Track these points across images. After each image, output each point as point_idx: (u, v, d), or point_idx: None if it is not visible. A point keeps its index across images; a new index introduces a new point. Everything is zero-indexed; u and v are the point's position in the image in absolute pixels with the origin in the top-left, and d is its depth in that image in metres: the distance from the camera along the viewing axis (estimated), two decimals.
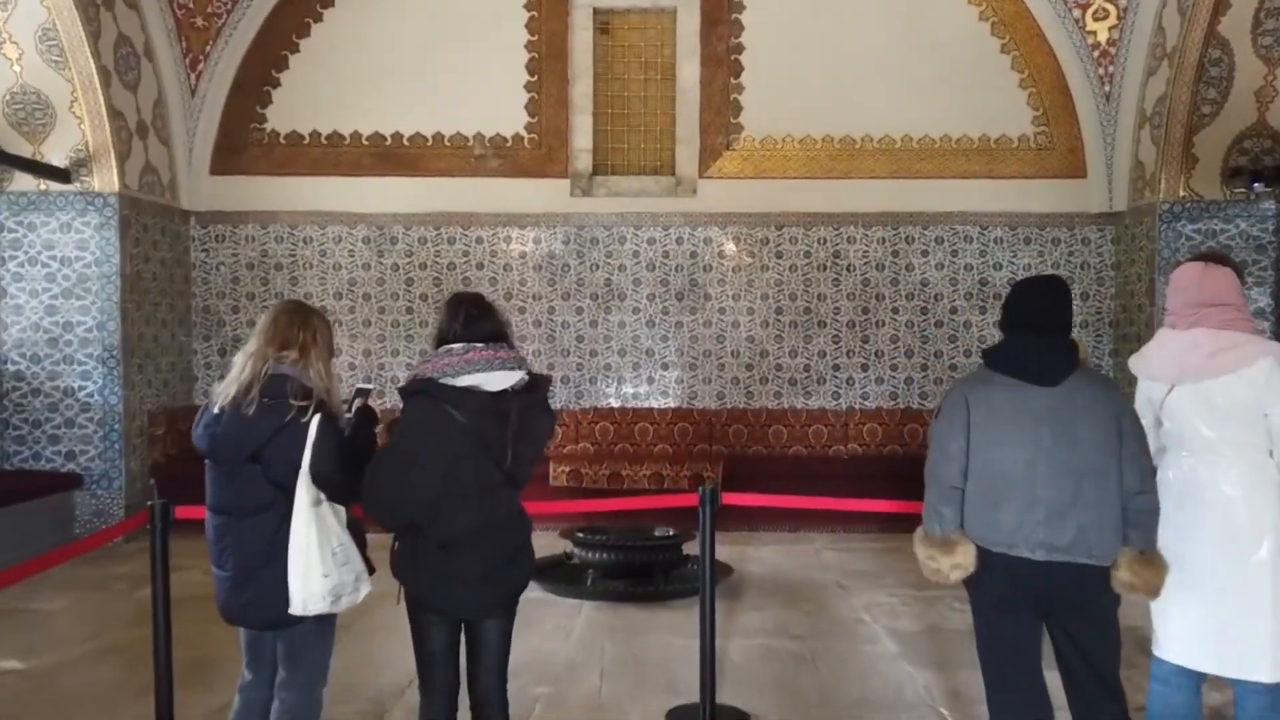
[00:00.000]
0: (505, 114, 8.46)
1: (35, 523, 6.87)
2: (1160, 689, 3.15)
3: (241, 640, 3.05)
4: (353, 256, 8.53)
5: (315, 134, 8.51)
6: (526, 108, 8.49)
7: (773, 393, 8.49)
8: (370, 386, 3.17)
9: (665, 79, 8.62)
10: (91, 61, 7.03)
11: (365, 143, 8.50)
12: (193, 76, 8.28)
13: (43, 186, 7.29)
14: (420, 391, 2.74)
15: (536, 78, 8.50)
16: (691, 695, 4.09)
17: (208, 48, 8.29)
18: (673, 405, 8.51)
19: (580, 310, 8.53)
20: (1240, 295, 3.11)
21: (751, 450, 8.39)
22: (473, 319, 2.82)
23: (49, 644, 5.01)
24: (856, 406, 8.48)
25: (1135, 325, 7.96)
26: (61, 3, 6.77)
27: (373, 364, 8.52)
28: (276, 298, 8.52)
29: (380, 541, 2.91)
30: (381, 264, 8.54)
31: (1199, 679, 3.13)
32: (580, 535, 5.96)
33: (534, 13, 8.47)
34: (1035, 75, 8.41)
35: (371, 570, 2.98)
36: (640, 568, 5.89)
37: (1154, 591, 2.71)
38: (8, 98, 7.09)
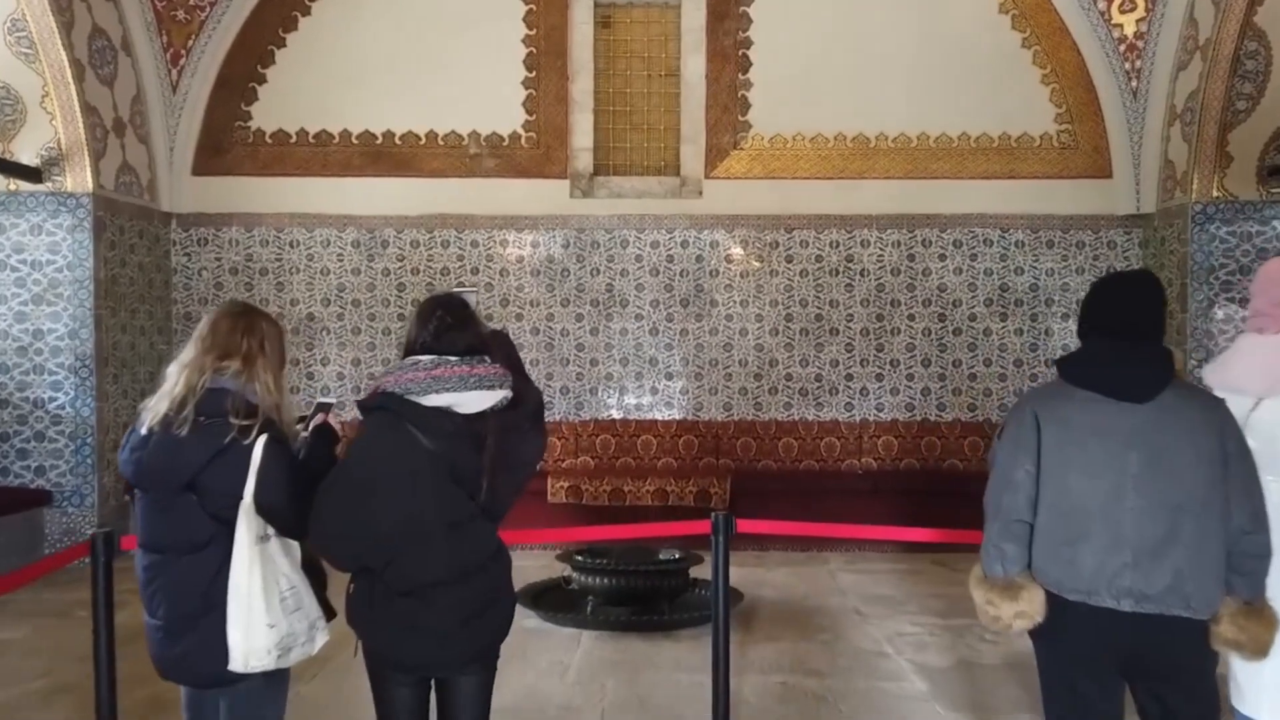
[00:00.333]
0: (502, 111, 8.09)
1: (1, 542, 6.45)
2: None
3: (182, 698, 2.63)
4: (341, 261, 8.14)
5: (303, 133, 8.14)
6: (524, 105, 8.12)
7: (782, 404, 8.09)
8: (332, 400, 2.74)
9: (669, 75, 8.26)
10: (64, 54, 6.65)
11: (355, 142, 8.13)
12: (174, 72, 7.90)
13: (12, 186, 6.91)
14: (381, 407, 2.33)
15: (534, 74, 8.13)
16: None
17: (190, 42, 7.91)
18: (677, 417, 8.11)
19: (580, 317, 8.14)
20: None
21: (760, 464, 8.00)
22: (446, 329, 2.41)
23: None
24: (871, 418, 8.08)
25: (1166, 334, 7.54)
26: None
27: (362, 374, 8.12)
28: (262, 304, 8.07)
29: (344, 579, 2.49)
30: (372, 268, 8.14)
31: None
32: (580, 558, 5.54)
33: (532, 6, 8.10)
34: (1058, 70, 8.03)
35: (330, 615, 2.56)
36: (645, 594, 5.47)
37: (1262, 650, 2.27)
38: None
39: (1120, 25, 7.84)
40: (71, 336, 6.95)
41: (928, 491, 7.48)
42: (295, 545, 2.51)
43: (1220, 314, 7.10)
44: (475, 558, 2.37)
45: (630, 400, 8.14)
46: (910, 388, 8.10)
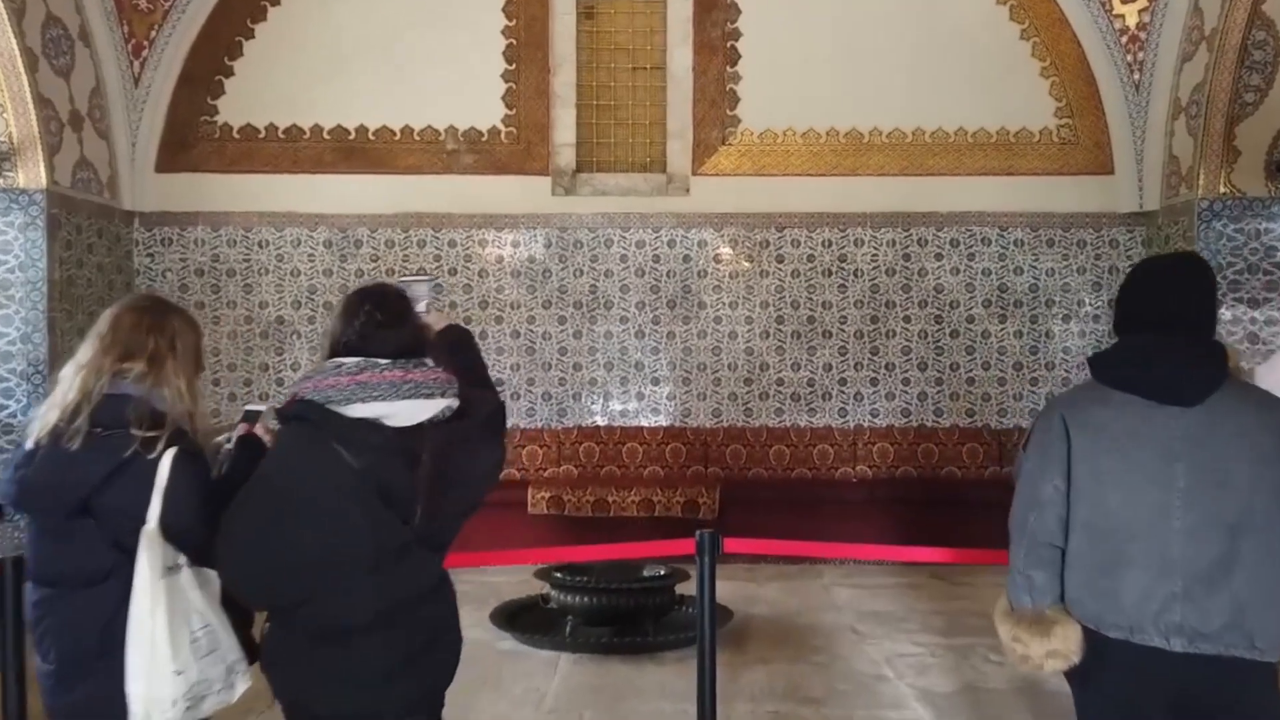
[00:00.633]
0: (480, 106, 7.76)
1: None
2: None
3: None
4: (313, 261, 7.80)
5: (272, 128, 7.80)
6: (504, 99, 7.81)
7: (773, 410, 7.79)
8: (261, 408, 2.39)
9: (655, 68, 7.95)
10: (14, 42, 6.28)
11: (327, 137, 7.79)
12: (136, 64, 7.54)
13: None
14: (299, 417, 1.99)
15: (514, 66, 7.82)
16: None
17: (152, 33, 7.56)
18: (664, 424, 7.79)
19: (563, 320, 7.83)
20: None
21: (751, 473, 7.70)
22: (376, 327, 2.06)
23: None
24: (865, 424, 7.78)
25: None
26: None
27: None
28: (229, 307, 7.81)
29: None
30: (344, 269, 7.80)
31: None
32: (558, 575, 5.20)
33: None
34: (1058, 63, 7.78)
35: (254, 658, 2.21)
36: (628, 613, 5.14)
37: None
38: None
39: (1122, 16, 7.60)
40: (24, 341, 6.58)
41: (925, 501, 7.27)
42: (214, 576, 2.17)
43: (1228, 315, 6.83)
44: (408, 595, 2.02)
45: (615, 406, 7.83)
46: (906, 392, 7.82)
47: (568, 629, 5.14)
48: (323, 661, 1.98)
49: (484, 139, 7.82)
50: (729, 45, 7.84)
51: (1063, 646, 2.00)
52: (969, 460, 7.69)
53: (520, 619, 5.27)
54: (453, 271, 7.81)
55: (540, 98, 7.83)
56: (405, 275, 2.79)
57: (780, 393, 7.82)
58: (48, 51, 6.61)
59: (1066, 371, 7.74)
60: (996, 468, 7.62)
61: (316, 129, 7.80)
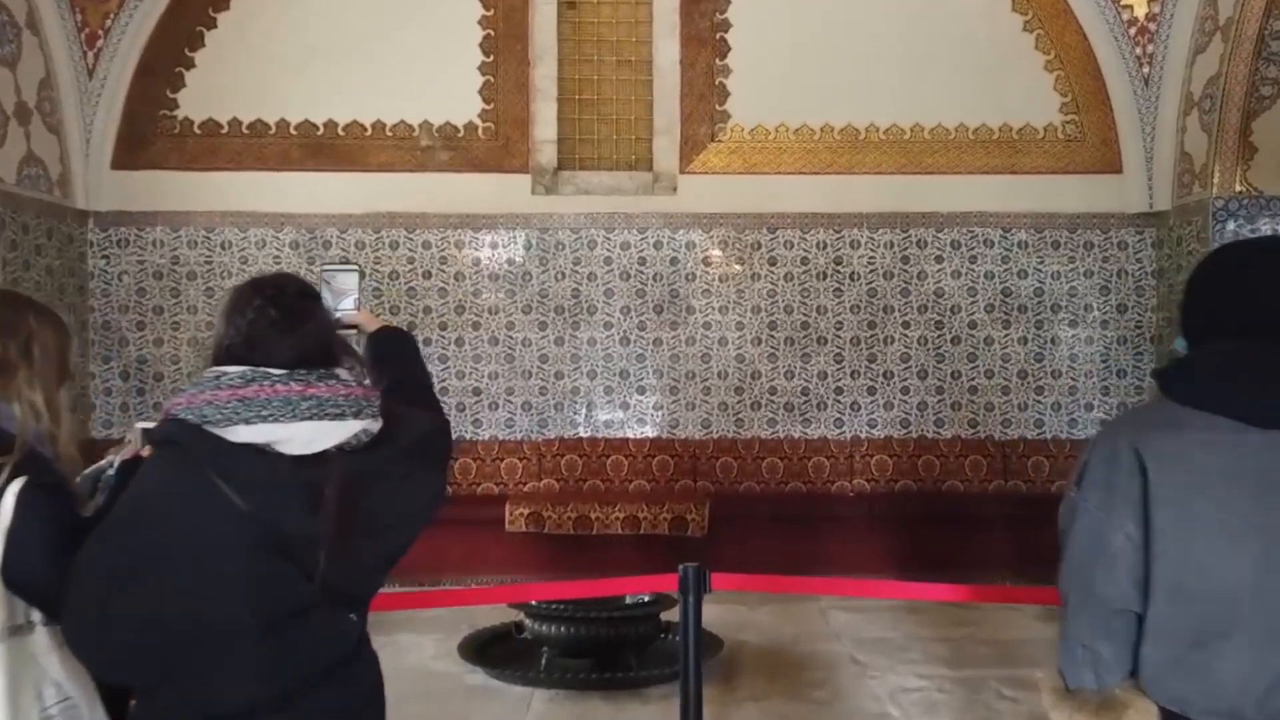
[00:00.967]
0: (457, 100, 7.40)
1: None
2: None
3: None
4: (279, 263, 7.37)
5: (235, 123, 7.40)
6: (481, 93, 7.45)
7: (766, 420, 7.42)
8: (153, 426, 1.98)
9: (640, 61, 7.60)
10: None
11: (294, 133, 7.40)
12: (90, 55, 7.13)
13: None
14: (169, 440, 1.58)
15: (492, 59, 7.46)
16: None
17: (108, 22, 7.14)
18: (651, 435, 7.41)
19: (544, 325, 7.44)
20: None
21: (742, 487, 7.34)
22: (271, 326, 1.63)
23: None
24: (863, 436, 7.42)
25: None
26: None
27: None
28: (189, 312, 7.40)
29: None
30: (312, 272, 7.38)
31: None
32: (534, 603, 4.79)
33: None
34: (1063, 56, 7.46)
35: None
36: (608, 643, 4.73)
37: None
38: None
39: (1130, 7, 7.29)
40: None
41: (926, 516, 6.96)
42: None
43: None
44: (311, 669, 1.59)
45: (599, 417, 7.45)
46: (905, 402, 7.46)
47: (543, 662, 4.73)
48: None
49: (460, 135, 7.46)
50: (718, 37, 7.50)
51: None
52: (971, 473, 7.35)
53: (491, 651, 4.85)
54: (427, 274, 7.43)
55: (520, 92, 7.47)
56: (329, 264, 2.38)
57: (773, 402, 7.46)
58: None
59: (1073, 379, 7.41)
60: (1000, 481, 7.33)
61: (283, 124, 7.42)
